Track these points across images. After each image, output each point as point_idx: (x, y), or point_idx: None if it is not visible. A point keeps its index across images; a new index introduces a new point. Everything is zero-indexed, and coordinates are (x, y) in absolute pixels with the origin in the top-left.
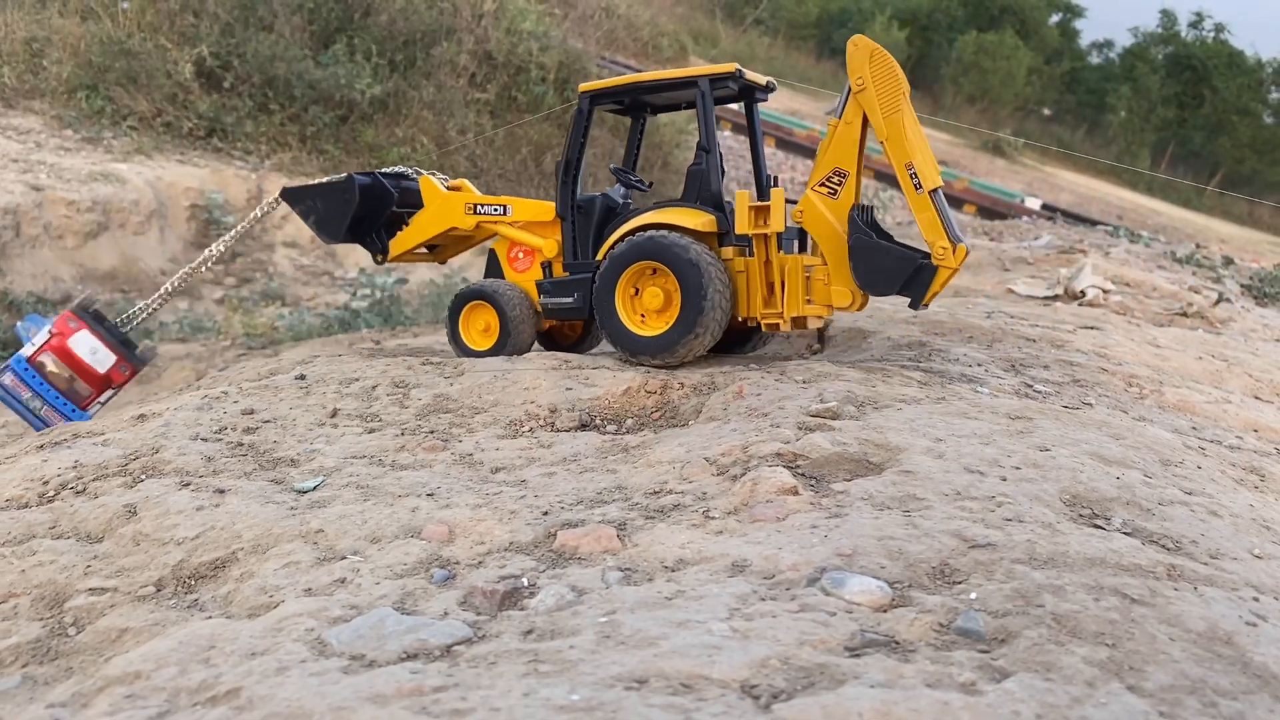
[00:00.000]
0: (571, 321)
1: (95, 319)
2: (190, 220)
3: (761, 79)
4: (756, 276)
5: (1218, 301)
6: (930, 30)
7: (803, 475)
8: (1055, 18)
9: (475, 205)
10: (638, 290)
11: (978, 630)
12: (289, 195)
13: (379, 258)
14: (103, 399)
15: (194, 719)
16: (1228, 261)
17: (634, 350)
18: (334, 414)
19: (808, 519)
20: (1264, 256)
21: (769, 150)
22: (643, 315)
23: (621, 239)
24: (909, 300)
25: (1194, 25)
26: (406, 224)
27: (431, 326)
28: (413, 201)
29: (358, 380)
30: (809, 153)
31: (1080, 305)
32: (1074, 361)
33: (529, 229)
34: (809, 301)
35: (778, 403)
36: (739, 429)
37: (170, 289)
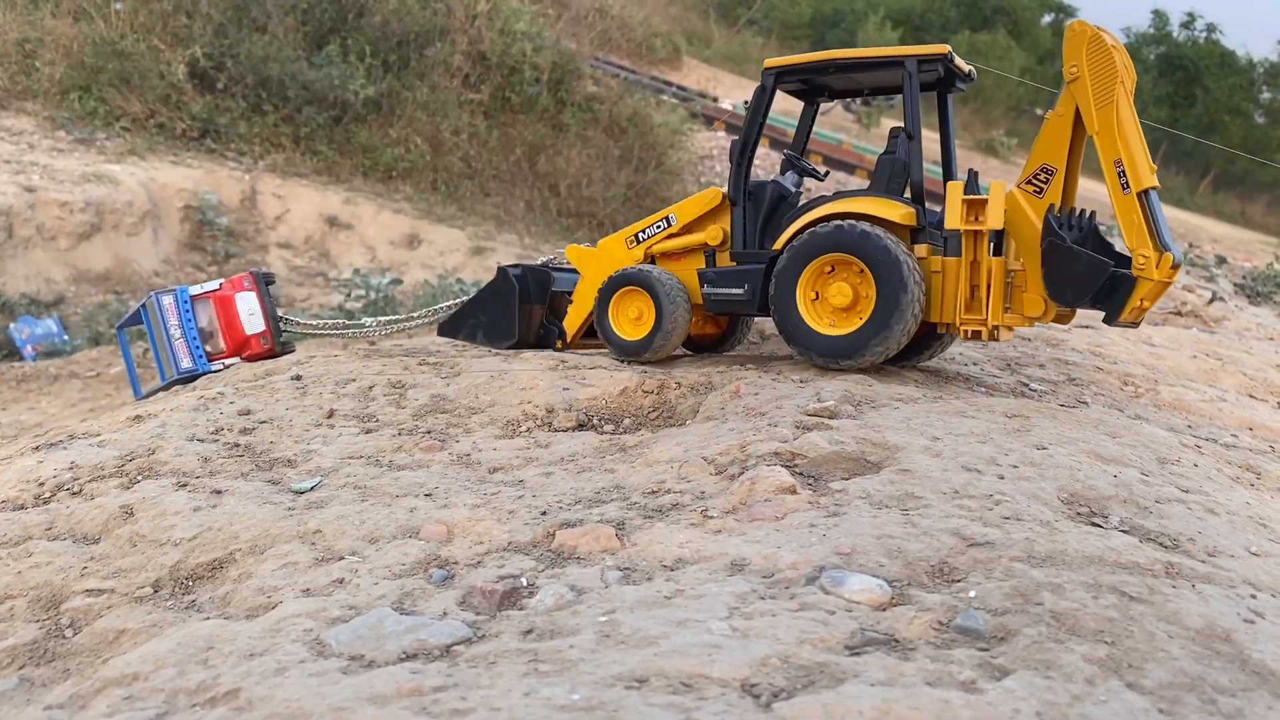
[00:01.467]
0: (719, 318)
1: (266, 290)
2: (184, 221)
3: (965, 66)
4: (960, 278)
5: (1211, 300)
6: (923, 30)
7: (801, 474)
8: (1047, 18)
9: (635, 235)
10: (818, 288)
11: (977, 628)
12: (449, 329)
13: (559, 344)
14: (228, 361)
15: None
16: (1221, 261)
17: (816, 350)
18: (331, 414)
19: (806, 518)
20: (1256, 256)
21: (763, 150)
22: (815, 303)
23: (805, 228)
24: (1104, 315)
25: (1185, 25)
26: (570, 301)
27: (427, 327)
28: (569, 284)
29: (354, 381)
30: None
31: None
32: (1069, 360)
33: (694, 227)
34: (1008, 310)
35: (775, 402)
36: (736, 428)
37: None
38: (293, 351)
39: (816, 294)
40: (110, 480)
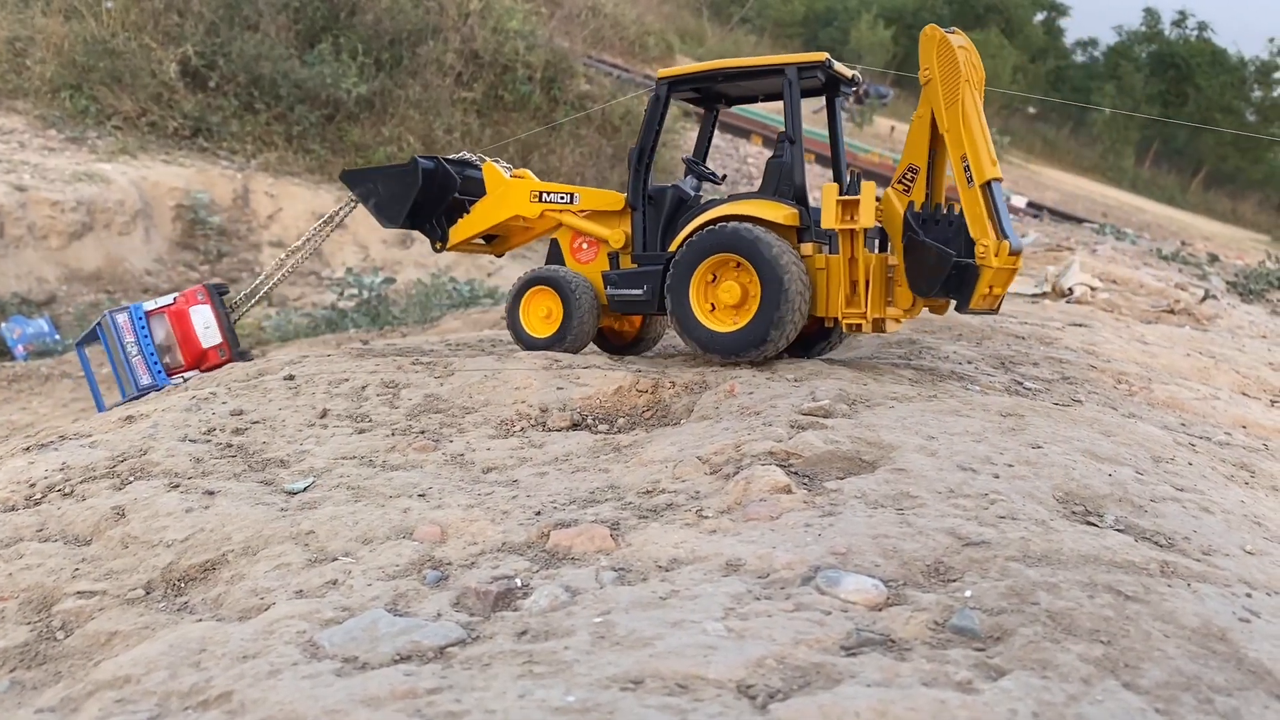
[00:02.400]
0: (631, 318)
1: (220, 302)
2: (176, 220)
3: (848, 71)
4: (840, 274)
5: (1204, 298)
6: (916, 28)
7: (796, 474)
8: (1040, 16)
9: (541, 193)
10: (714, 282)
11: (973, 628)
12: (349, 177)
13: (438, 245)
14: (188, 375)
15: None
16: (1213, 259)
17: (707, 347)
18: (324, 414)
19: (801, 517)
20: (1248, 254)
21: (754, 149)
22: (712, 306)
23: (698, 230)
24: (955, 304)
25: (1177, 24)
26: (468, 212)
27: (419, 326)
28: (474, 190)
29: (347, 380)
30: None
31: (1068, 303)
32: (1063, 359)
33: (595, 219)
34: (889, 303)
35: (769, 401)
36: (731, 428)
37: (274, 281)
38: (251, 359)
39: (715, 280)
40: (102, 481)
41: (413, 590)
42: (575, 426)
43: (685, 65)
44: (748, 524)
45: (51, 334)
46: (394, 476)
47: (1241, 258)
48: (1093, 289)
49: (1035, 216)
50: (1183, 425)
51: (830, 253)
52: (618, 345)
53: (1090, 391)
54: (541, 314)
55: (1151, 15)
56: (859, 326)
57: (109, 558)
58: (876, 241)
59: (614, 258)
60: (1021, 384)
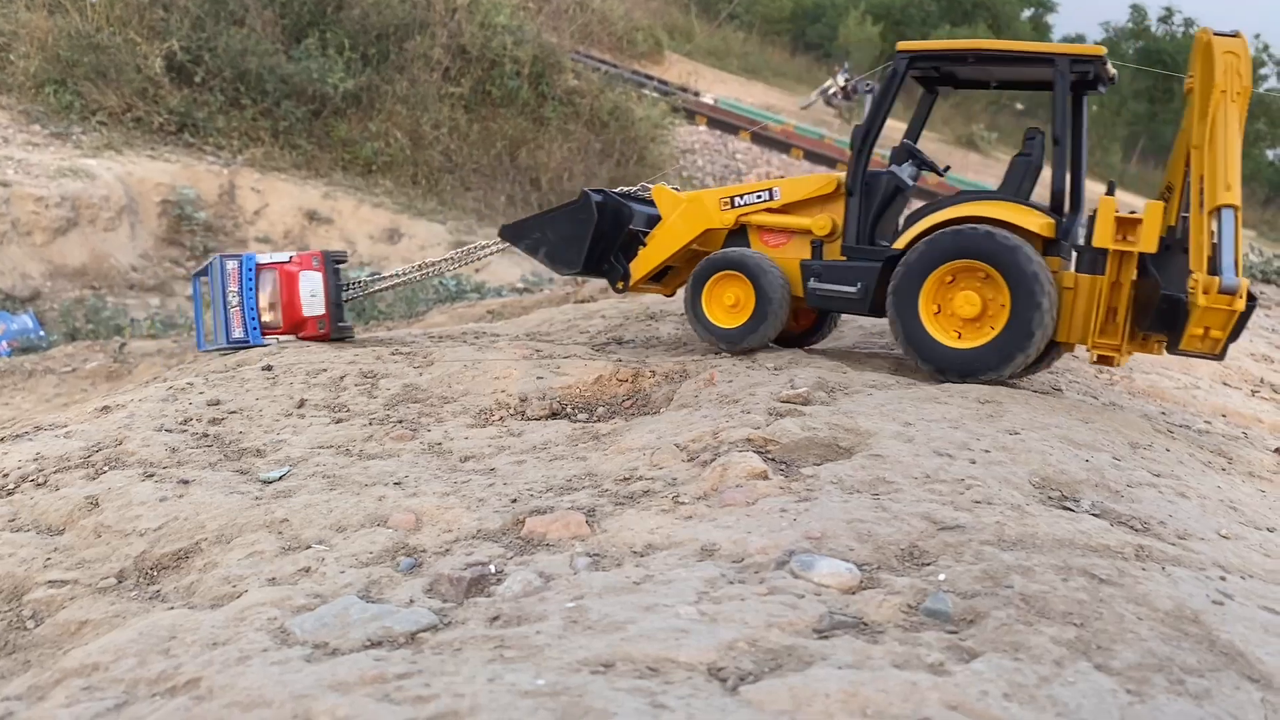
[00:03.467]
0: (808, 311)
1: (334, 272)
2: (161, 216)
3: (1112, 70)
4: (1096, 298)
5: None
6: (904, 25)
7: (773, 460)
8: (1027, 13)
9: (732, 199)
10: (941, 297)
11: (946, 611)
12: (511, 233)
13: (619, 285)
14: (283, 338)
15: (152, 710)
16: None
17: (937, 364)
18: (301, 404)
19: (777, 503)
20: None
21: (743, 145)
22: (937, 308)
23: (934, 229)
24: (1166, 342)
25: (1164, 20)
26: (643, 244)
27: (404, 321)
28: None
29: (325, 370)
30: (784, 147)
31: None
32: None
33: (797, 210)
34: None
35: (749, 389)
36: (710, 415)
37: (398, 280)
38: (350, 339)
39: (939, 304)
40: (76, 471)
41: (386, 577)
42: (555, 415)
43: (930, 41)
44: (724, 510)
45: (36, 330)
46: (370, 465)
47: None
48: None
49: None
50: (1163, 413)
51: (1083, 271)
52: (787, 339)
53: (1071, 380)
54: (728, 302)
55: (1138, 12)
56: (1109, 359)
57: (81, 547)
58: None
59: (817, 246)
60: None
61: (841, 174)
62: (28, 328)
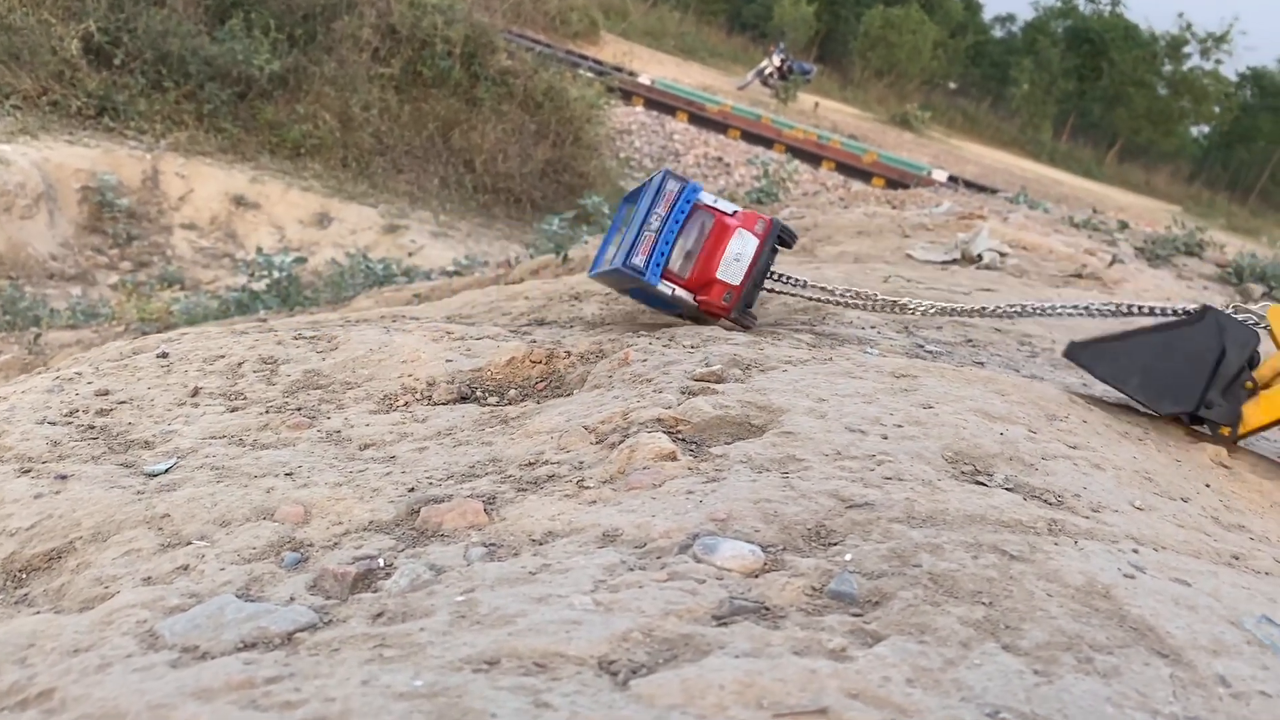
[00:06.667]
0: None
1: (773, 248)
2: (82, 203)
3: None
4: None
5: (1111, 263)
6: (838, 5)
7: (683, 440)
8: None
9: None
10: None
11: (851, 593)
12: (1082, 356)
13: (1224, 430)
14: (680, 292)
15: None
16: (1123, 225)
17: None
18: (195, 393)
19: (684, 484)
20: (1161, 224)
21: (680, 125)
22: None
23: None
24: None
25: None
26: (1252, 379)
27: (331, 306)
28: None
29: (223, 357)
30: (721, 128)
31: (978, 269)
32: (968, 323)
33: None
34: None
35: (663, 368)
36: (621, 396)
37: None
38: (751, 329)
39: None
40: None
41: (268, 574)
42: (464, 399)
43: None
44: (629, 493)
45: None
46: (263, 456)
47: (1152, 225)
48: (1002, 255)
49: (951, 189)
50: (1084, 385)
51: None
52: None
53: (993, 354)
54: None
55: None
56: None
57: None
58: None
59: None
60: (923, 347)
61: None
62: None
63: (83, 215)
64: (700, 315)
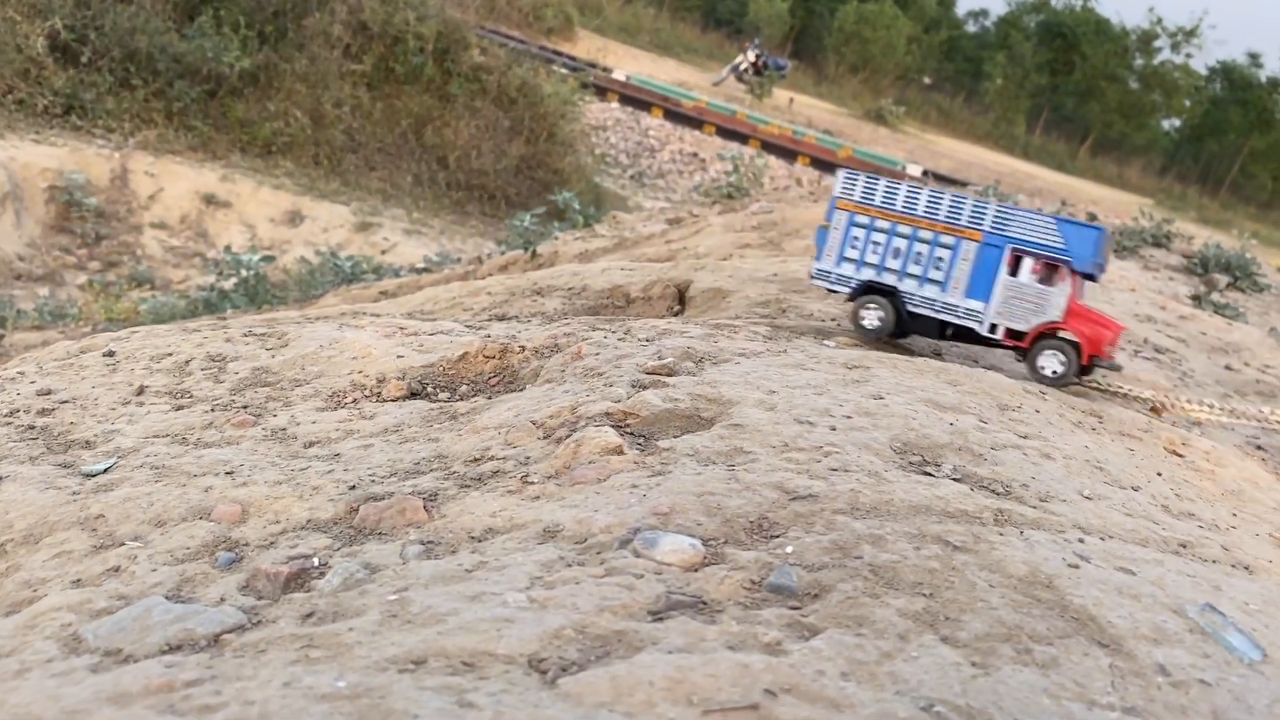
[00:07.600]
0: None
1: (1092, 270)
2: (49, 203)
3: None
4: None
5: None
6: (812, 1)
7: (630, 434)
8: None
9: None
10: None
11: (790, 586)
12: None
13: None
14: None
15: None
16: (1091, 218)
17: None
18: (141, 391)
19: (629, 478)
20: (1131, 216)
21: (655, 121)
22: None
23: None
24: None
25: None
26: None
27: (297, 305)
28: None
29: (171, 355)
30: (696, 124)
31: None
32: None
33: None
34: None
35: (615, 362)
36: (572, 390)
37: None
38: (1117, 369)
39: None
40: None
41: (201, 574)
42: (414, 395)
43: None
44: (573, 488)
45: None
46: (204, 455)
47: (1123, 218)
48: None
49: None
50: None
51: None
52: None
53: (951, 345)
54: None
55: None
56: None
57: None
58: None
59: None
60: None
61: None
62: None
63: (50, 215)
64: None
